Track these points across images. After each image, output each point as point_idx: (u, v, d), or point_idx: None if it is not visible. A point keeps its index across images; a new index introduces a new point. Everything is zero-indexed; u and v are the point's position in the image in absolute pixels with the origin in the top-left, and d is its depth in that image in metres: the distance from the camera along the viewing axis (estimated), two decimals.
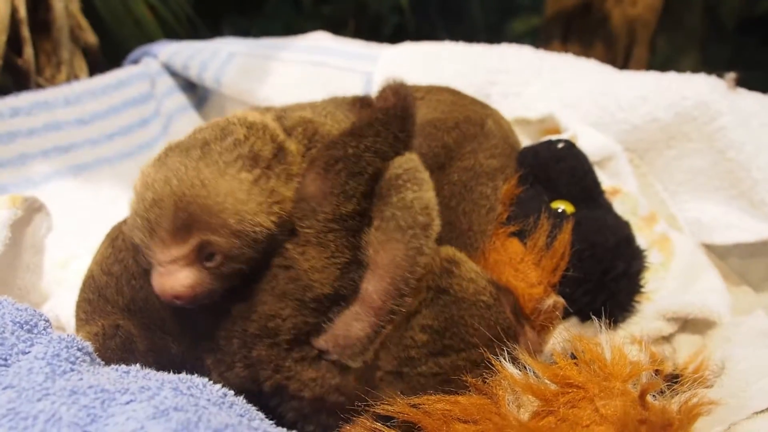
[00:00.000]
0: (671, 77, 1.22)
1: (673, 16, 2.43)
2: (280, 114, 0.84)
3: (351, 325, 0.72)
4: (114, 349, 0.74)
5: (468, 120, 0.94)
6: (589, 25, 2.35)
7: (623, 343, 0.69)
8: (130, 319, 0.77)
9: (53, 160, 1.34)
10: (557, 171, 0.93)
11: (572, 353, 0.69)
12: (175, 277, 0.69)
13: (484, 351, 0.71)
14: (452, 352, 0.72)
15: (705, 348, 0.87)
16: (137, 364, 0.67)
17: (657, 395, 0.62)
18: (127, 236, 0.75)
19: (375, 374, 0.73)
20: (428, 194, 0.77)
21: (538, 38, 2.46)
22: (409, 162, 0.78)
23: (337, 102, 0.93)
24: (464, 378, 0.69)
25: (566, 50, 1.68)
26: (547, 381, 0.65)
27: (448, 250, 0.79)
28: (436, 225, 0.76)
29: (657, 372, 0.65)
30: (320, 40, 1.61)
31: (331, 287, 0.72)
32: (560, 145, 0.95)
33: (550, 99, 1.27)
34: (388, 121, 0.81)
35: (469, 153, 0.91)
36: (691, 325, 0.93)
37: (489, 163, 0.91)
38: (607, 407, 0.58)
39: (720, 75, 1.19)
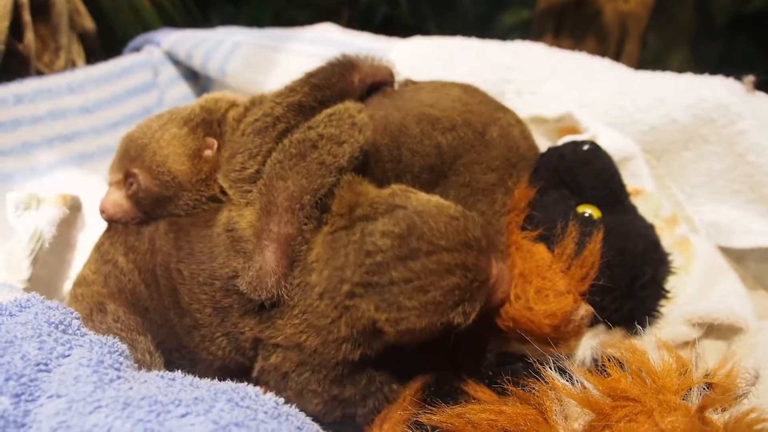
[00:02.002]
0: (689, 79, 1.21)
1: (664, 12, 2.43)
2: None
3: (260, 262, 0.75)
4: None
5: (467, 124, 0.91)
6: (581, 20, 2.34)
7: (668, 352, 0.68)
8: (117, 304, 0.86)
9: (57, 149, 1.32)
10: (583, 174, 0.92)
11: (619, 362, 0.68)
12: (108, 196, 0.88)
13: (456, 255, 0.70)
14: (421, 254, 0.69)
15: (733, 354, 0.86)
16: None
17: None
18: None
19: (342, 288, 0.72)
20: (332, 130, 0.80)
21: (529, 31, 2.45)
22: (333, 108, 0.84)
23: None
24: (441, 284, 0.69)
25: (558, 44, 1.67)
26: (596, 392, 0.64)
27: (402, 185, 0.80)
28: (343, 155, 0.79)
29: (708, 386, 0.64)
30: (328, 31, 1.58)
31: None
32: (586, 147, 0.94)
33: (565, 98, 1.25)
34: (314, 71, 0.89)
35: (464, 167, 0.89)
36: (715, 330, 0.93)
37: (486, 179, 0.89)
38: (667, 422, 0.57)
39: (738, 77, 1.18)
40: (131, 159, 0.86)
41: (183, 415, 0.54)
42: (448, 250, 0.70)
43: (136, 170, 0.85)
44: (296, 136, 0.80)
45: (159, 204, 0.86)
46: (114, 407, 0.54)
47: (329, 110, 0.83)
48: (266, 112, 0.84)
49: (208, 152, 0.87)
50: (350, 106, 0.84)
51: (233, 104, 0.92)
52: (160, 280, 0.83)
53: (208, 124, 0.89)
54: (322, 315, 0.73)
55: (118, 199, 0.87)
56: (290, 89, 0.86)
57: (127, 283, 0.85)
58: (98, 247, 0.90)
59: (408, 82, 1.01)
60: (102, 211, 0.88)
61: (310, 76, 0.88)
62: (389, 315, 0.69)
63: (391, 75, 0.98)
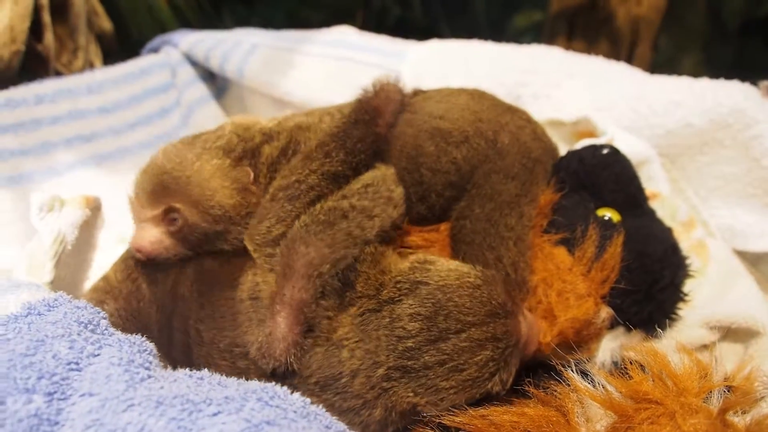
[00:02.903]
0: (705, 83, 1.22)
1: (676, 15, 2.43)
2: (283, 120, 0.92)
3: (270, 328, 0.73)
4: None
5: (479, 133, 0.89)
6: (594, 23, 2.34)
7: (688, 355, 0.69)
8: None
9: (76, 149, 1.33)
10: (603, 178, 0.92)
11: (641, 365, 0.69)
12: (143, 233, 0.82)
13: (485, 329, 0.70)
14: (451, 334, 0.69)
15: (751, 358, 0.87)
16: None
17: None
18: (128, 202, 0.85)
19: (377, 371, 0.70)
20: (368, 203, 0.79)
21: (542, 34, 2.45)
22: (371, 175, 0.83)
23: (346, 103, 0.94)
24: (475, 360, 0.69)
25: (570, 47, 1.67)
26: (618, 394, 0.65)
27: (419, 255, 0.79)
28: (372, 228, 0.78)
29: (728, 389, 0.65)
30: (345, 34, 1.59)
31: None
32: (605, 151, 0.94)
33: (581, 101, 1.26)
34: (344, 134, 0.84)
35: (483, 178, 0.88)
36: (732, 333, 0.94)
37: (507, 189, 0.87)
38: (689, 425, 0.58)
39: (754, 82, 1.19)
40: (170, 193, 0.81)
41: (215, 414, 0.55)
42: (476, 325, 0.70)
43: (179, 205, 0.80)
44: (328, 204, 0.78)
45: (208, 240, 0.83)
46: (147, 405, 0.55)
47: (367, 179, 0.82)
48: (299, 179, 0.80)
49: (253, 186, 0.84)
50: (388, 176, 0.84)
51: (265, 135, 0.88)
52: (175, 331, 0.83)
53: (249, 154, 0.85)
54: (354, 395, 0.71)
55: (158, 236, 0.82)
56: (325, 154, 0.82)
57: (142, 309, 0.85)
58: (125, 261, 0.88)
59: (416, 92, 0.99)
60: (138, 250, 0.82)
61: (343, 138, 0.84)
62: (429, 398, 0.69)
63: (402, 95, 0.94)
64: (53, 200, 0.91)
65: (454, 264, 0.76)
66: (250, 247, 0.80)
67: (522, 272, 0.83)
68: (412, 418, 0.71)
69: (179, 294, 0.83)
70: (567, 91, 1.30)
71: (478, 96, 0.96)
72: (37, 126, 1.28)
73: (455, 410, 0.68)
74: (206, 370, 0.68)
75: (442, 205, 0.89)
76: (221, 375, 0.68)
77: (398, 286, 0.73)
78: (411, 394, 0.69)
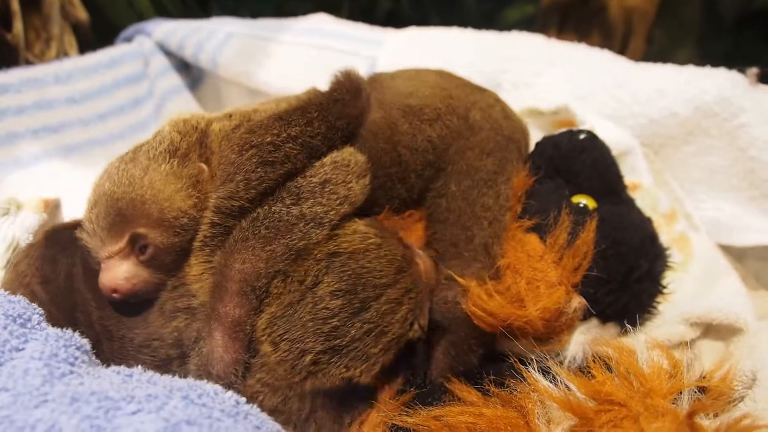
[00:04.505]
0: (690, 71, 1.18)
1: (670, 8, 2.40)
2: (233, 108, 0.86)
3: (208, 347, 0.69)
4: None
5: (450, 110, 0.87)
6: (586, 15, 2.31)
7: (659, 352, 0.65)
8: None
9: (43, 140, 1.29)
10: (579, 163, 0.89)
11: (606, 363, 0.65)
12: (113, 271, 0.73)
13: (399, 286, 0.72)
14: (372, 302, 0.70)
15: (731, 356, 0.82)
16: (138, 366, 0.63)
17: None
18: (82, 242, 0.76)
19: (305, 359, 0.68)
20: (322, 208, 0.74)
21: (533, 27, 2.42)
22: (332, 166, 0.77)
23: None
24: (396, 318, 0.71)
25: (562, 39, 1.63)
26: (581, 395, 0.61)
27: None
28: (318, 234, 0.73)
29: (701, 389, 0.60)
30: (322, 22, 1.55)
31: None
32: (582, 136, 0.91)
33: (563, 90, 1.22)
34: (326, 105, 0.80)
35: (457, 154, 0.86)
36: (713, 330, 0.90)
37: (484, 166, 0.85)
38: (654, 429, 0.54)
39: (741, 70, 1.15)
40: (129, 219, 0.73)
41: (134, 413, 0.51)
42: (390, 286, 0.72)
43: (142, 230, 0.73)
44: (276, 211, 0.73)
45: (185, 253, 0.75)
46: (61, 402, 0.51)
47: (328, 172, 0.76)
48: (274, 141, 0.75)
49: (204, 173, 0.77)
50: (352, 166, 0.78)
51: (212, 118, 0.83)
52: (81, 324, 0.75)
53: (195, 145, 0.79)
54: (282, 378, 0.70)
55: (131, 269, 0.73)
56: (307, 121, 0.77)
57: (45, 312, 0.74)
58: (15, 266, 0.79)
59: (376, 76, 0.97)
60: (114, 291, 0.73)
61: (326, 110, 0.80)
62: (361, 367, 0.69)
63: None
64: (9, 203, 0.86)
65: (353, 225, 0.75)
66: (209, 219, 0.74)
67: (494, 255, 0.81)
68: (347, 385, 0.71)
69: (75, 288, 0.77)
70: (548, 79, 1.26)
71: (447, 75, 0.95)
72: (2, 116, 1.24)
73: (408, 411, 0.65)
74: (128, 361, 0.64)
75: (420, 187, 0.86)
76: (145, 363, 0.66)
77: (317, 263, 0.71)
78: (344, 370, 0.69)
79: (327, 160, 0.77)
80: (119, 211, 0.73)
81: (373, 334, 0.69)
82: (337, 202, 0.75)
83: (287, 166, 0.75)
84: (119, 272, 0.73)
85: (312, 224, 0.73)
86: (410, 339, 0.73)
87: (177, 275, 0.75)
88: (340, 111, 0.80)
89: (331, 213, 0.74)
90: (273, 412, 0.69)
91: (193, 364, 0.69)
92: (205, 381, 0.65)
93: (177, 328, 0.72)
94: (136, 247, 0.73)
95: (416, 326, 0.73)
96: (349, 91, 0.82)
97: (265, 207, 0.73)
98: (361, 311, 0.69)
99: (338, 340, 0.68)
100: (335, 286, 0.70)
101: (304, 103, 0.80)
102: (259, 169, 0.74)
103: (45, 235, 0.81)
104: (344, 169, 0.77)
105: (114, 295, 0.73)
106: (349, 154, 0.79)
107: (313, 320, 0.69)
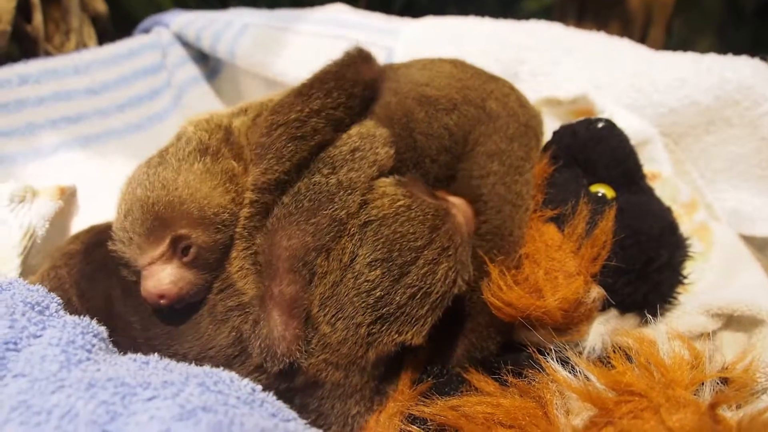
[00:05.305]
0: (711, 58, 1.16)
1: None
2: (244, 103, 0.88)
3: (268, 327, 0.69)
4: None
5: (467, 101, 0.88)
6: (605, 5, 2.30)
7: (680, 343, 0.64)
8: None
9: (61, 131, 1.29)
10: (597, 152, 0.88)
11: (626, 353, 0.64)
12: (157, 276, 0.71)
13: (434, 245, 0.72)
14: (410, 266, 0.71)
15: (753, 348, 0.81)
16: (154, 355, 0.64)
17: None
18: (116, 253, 0.75)
19: (359, 331, 0.70)
20: (356, 174, 0.76)
21: (552, 16, 2.40)
22: (359, 136, 0.79)
23: None
24: (438, 278, 0.70)
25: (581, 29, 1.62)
26: (600, 386, 0.60)
27: None
28: (354, 202, 0.74)
29: (723, 380, 0.59)
30: (339, 12, 1.54)
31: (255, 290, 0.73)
32: (600, 125, 0.90)
33: (581, 79, 1.21)
34: (341, 74, 0.81)
35: (483, 137, 0.86)
36: (735, 322, 0.88)
37: (512, 150, 0.85)
38: (675, 420, 0.53)
39: (764, 57, 1.13)
40: (169, 223, 0.72)
41: (150, 399, 0.51)
42: (426, 247, 0.72)
43: (184, 231, 0.72)
44: (315, 182, 0.74)
45: (227, 251, 0.75)
46: (77, 387, 0.51)
47: (355, 141, 0.78)
48: (299, 118, 0.76)
49: (240, 168, 0.78)
50: (377, 137, 0.80)
51: (230, 114, 0.84)
52: (123, 348, 0.72)
53: (224, 142, 0.79)
54: (344, 355, 0.71)
55: (176, 272, 0.72)
56: (326, 92, 0.78)
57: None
58: (56, 269, 0.79)
59: (389, 66, 0.97)
60: (161, 297, 0.71)
61: (341, 77, 0.81)
62: (412, 330, 0.70)
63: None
64: (25, 190, 0.87)
65: (382, 188, 0.76)
66: (248, 198, 0.75)
67: (520, 244, 0.82)
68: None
69: (116, 312, 0.75)
70: (566, 67, 1.24)
71: (461, 65, 0.95)
72: (21, 107, 1.24)
73: (425, 400, 0.65)
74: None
75: (436, 172, 0.86)
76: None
77: (351, 238, 0.72)
78: (396, 335, 0.70)
79: (353, 131, 0.80)
80: (157, 215, 0.72)
81: (418, 297, 0.70)
82: (368, 165, 0.76)
83: (317, 138, 0.76)
84: (164, 276, 0.71)
85: (349, 191, 0.74)
86: (457, 294, 0.74)
87: (220, 276, 0.74)
88: (354, 76, 0.82)
89: (363, 177, 0.75)
90: (335, 387, 0.71)
91: (254, 348, 0.69)
92: (270, 364, 0.67)
93: (234, 328, 0.71)
94: (178, 249, 0.73)
95: (459, 281, 0.73)
96: (359, 56, 0.85)
97: (305, 179, 0.75)
98: (401, 277, 0.70)
99: (385, 309, 0.70)
100: (371, 256, 0.71)
101: (321, 74, 0.82)
102: (290, 144, 0.75)
103: (84, 248, 0.81)
104: (370, 138, 0.79)
105: (161, 301, 0.71)
106: (372, 126, 0.81)
107: (358, 294, 0.70)
